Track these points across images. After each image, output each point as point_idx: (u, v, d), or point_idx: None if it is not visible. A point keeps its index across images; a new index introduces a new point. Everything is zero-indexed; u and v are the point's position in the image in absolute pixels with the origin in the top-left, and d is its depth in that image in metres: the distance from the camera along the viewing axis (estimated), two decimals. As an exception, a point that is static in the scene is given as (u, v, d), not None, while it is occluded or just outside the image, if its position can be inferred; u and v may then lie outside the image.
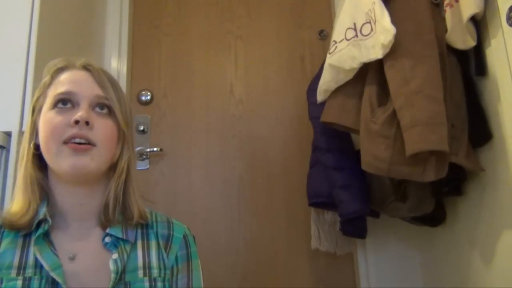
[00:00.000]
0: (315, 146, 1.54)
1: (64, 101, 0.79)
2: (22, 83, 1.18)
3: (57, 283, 0.72)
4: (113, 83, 0.84)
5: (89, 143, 0.77)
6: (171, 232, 0.86)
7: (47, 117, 0.79)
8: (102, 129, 0.79)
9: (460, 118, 1.14)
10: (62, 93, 0.79)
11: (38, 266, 0.73)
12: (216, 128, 1.89)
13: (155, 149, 1.82)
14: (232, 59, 1.97)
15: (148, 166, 1.83)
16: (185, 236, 0.87)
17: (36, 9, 1.22)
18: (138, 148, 1.83)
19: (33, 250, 0.74)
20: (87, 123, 0.77)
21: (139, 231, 0.83)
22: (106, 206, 0.81)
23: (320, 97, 1.38)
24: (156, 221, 0.87)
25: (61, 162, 0.76)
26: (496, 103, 1.11)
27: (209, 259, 1.72)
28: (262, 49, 1.98)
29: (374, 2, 1.17)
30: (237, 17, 2.01)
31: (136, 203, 0.83)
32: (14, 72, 1.19)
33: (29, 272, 0.73)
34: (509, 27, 1.03)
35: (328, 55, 1.30)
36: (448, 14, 1.16)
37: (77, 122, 0.76)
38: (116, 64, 1.86)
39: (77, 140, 0.76)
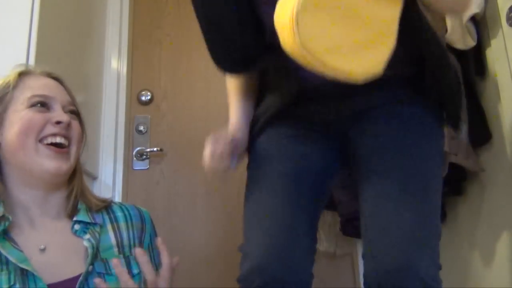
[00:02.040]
0: (315, 146, 1.54)
1: (41, 103, 0.83)
2: (22, 83, 1.18)
3: (27, 272, 0.73)
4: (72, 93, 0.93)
5: (67, 144, 0.83)
6: (142, 214, 0.93)
7: (23, 114, 0.81)
8: (77, 130, 0.86)
9: (460, 118, 1.14)
10: (39, 96, 0.84)
11: (3, 262, 0.74)
12: (216, 128, 1.88)
13: (155, 149, 1.82)
14: (232, 59, 1.97)
15: (148, 166, 1.83)
16: (150, 218, 0.95)
17: (36, 9, 1.22)
18: (138, 148, 1.83)
19: None
20: (68, 125, 0.83)
21: (106, 216, 0.88)
22: (68, 199, 0.86)
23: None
24: (125, 206, 0.93)
25: (42, 162, 0.80)
26: (496, 103, 1.11)
27: (209, 259, 1.73)
28: (262, 49, 1.98)
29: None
30: (237, 17, 2.01)
31: (91, 194, 0.91)
32: (14, 72, 1.18)
33: None
34: (509, 27, 1.03)
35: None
36: (448, 14, 1.16)
37: (58, 122, 0.81)
38: (116, 64, 1.86)
39: (58, 140, 0.81)
